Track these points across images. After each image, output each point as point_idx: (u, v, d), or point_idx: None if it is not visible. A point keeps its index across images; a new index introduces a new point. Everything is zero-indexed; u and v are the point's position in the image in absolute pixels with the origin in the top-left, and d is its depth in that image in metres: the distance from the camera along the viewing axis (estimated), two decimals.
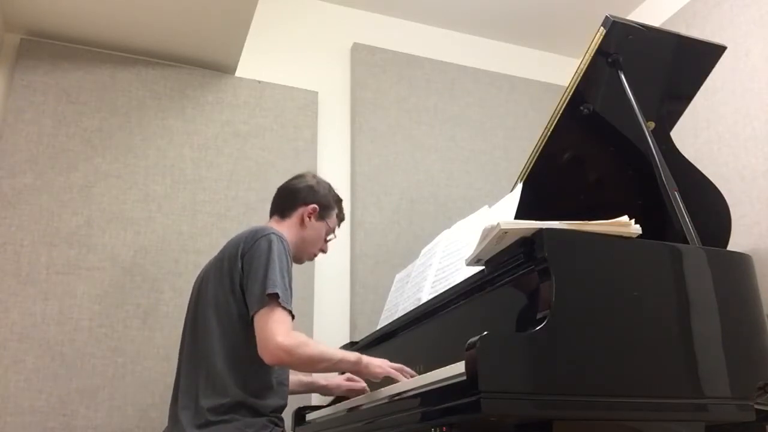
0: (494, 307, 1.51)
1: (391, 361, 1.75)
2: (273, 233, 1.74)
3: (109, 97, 2.57)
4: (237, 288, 1.72)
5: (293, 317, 1.67)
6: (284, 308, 1.63)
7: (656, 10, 3.08)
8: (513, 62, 3.40)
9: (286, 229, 1.90)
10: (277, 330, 1.60)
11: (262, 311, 1.63)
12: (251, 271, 1.69)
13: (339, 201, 2.06)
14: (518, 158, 2.90)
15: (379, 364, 1.70)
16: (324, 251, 2.05)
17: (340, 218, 2.07)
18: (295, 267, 1.82)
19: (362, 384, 1.93)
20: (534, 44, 3.50)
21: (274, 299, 1.63)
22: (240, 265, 1.73)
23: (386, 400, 1.55)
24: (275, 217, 1.98)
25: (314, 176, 2.05)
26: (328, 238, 2.04)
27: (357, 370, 1.73)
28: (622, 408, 1.24)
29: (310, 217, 1.95)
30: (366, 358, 1.71)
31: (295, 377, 2.04)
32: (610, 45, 1.79)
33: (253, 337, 1.65)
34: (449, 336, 1.68)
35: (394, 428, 1.46)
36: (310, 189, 1.98)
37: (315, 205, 1.96)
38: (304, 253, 1.99)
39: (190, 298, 1.91)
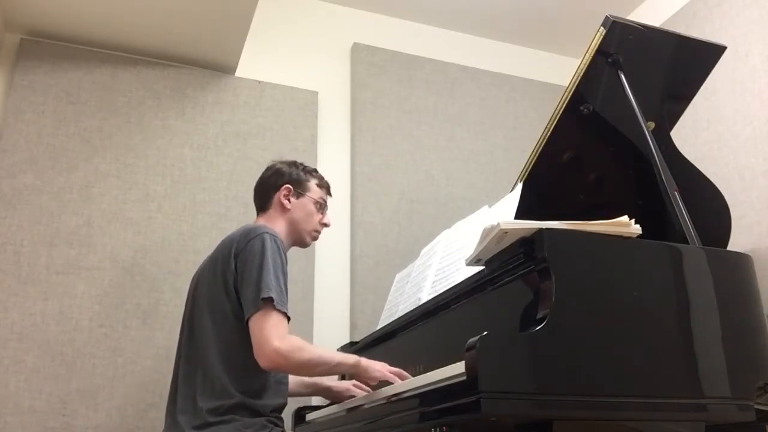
0: (494, 307, 1.51)
1: (391, 361, 1.74)
2: (266, 232, 1.73)
3: (109, 97, 2.57)
4: (231, 288, 1.71)
5: (289, 319, 1.66)
6: (279, 311, 1.62)
7: (656, 10, 3.08)
8: (513, 62, 3.40)
9: (272, 222, 1.88)
10: (272, 334, 1.58)
11: (257, 315, 1.62)
12: (245, 273, 1.68)
13: (311, 171, 2.01)
14: (518, 158, 2.90)
15: (379, 368, 1.68)
16: (326, 224, 2.00)
17: (324, 186, 2.01)
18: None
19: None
20: (534, 44, 3.50)
21: (269, 303, 1.61)
22: (233, 266, 1.71)
23: (386, 400, 1.55)
24: (260, 215, 1.97)
25: (279, 161, 2.01)
26: (322, 211, 1.99)
27: (356, 372, 1.71)
28: (622, 408, 1.24)
29: (288, 199, 1.93)
30: (365, 361, 1.69)
31: (298, 379, 2.03)
32: (610, 45, 1.78)
33: (249, 337, 1.64)
34: (449, 336, 1.68)
35: (394, 428, 1.46)
36: (276, 172, 1.96)
37: (286, 185, 1.94)
38: (304, 233, 1.95)
39: (187, 299, 1.91)
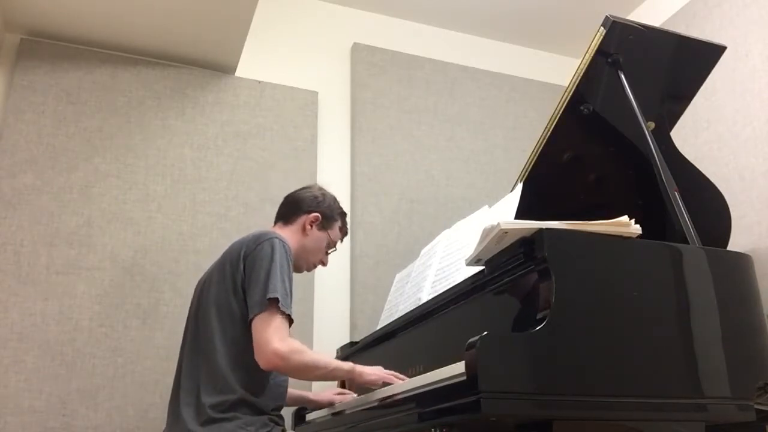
0: (494, 307, 1.51)
1: (390, 361, 1.75)
2: (276, 237, 1.77)
3: (109, 97, 2.57)
4: (239, 289, 1.74)
5: (292, 322, 1.69)
6: (283, 313, 1.65)
7: (656, 10, 3.08)
8: (513, 62, 3.40)
9: (288, 236, 1.91)
10: (273, 336, 1.62)
11: (262, 315, 1.65)
12: (253, 274, 1.71)
13: (343, 214, 2.07)
14: (518, 158, 2.90)
15: (373, 372, 1.71)
16: (324, 263, 2.06)
17: (344, 232, 2.08)
18: None
19: (351, 397, 1.95)
20: (534, 44, 3.50)
21: (274, 304, 1.65)
22: (242, 267, 1.75)
23: (386, 401, 1.55)
24: (279, 224, 2.00)
25: (321, 188, 2.07)
26: (329, 251, 2.05)
27: (351, 377, 1.74)
28: (622, 408, 1.24)
29: (311, 226, 1.97)
30: (360, 367, 1.72)
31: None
32: (610, 45, 1.79)
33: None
34: (449, 336, 1.68)
35: (393, 428, 1.46)
36: (315, 199, 2.01)
37: (317, 214, 1.98)
38: (303, 261, 2.00)
39: (192, 300, 1.93)
